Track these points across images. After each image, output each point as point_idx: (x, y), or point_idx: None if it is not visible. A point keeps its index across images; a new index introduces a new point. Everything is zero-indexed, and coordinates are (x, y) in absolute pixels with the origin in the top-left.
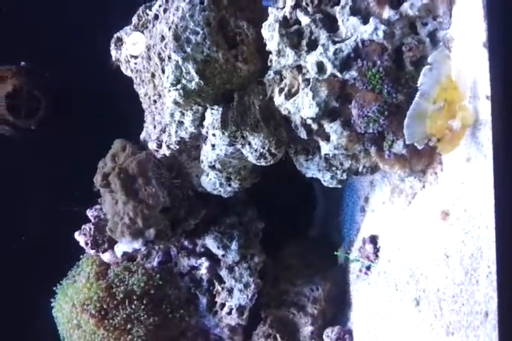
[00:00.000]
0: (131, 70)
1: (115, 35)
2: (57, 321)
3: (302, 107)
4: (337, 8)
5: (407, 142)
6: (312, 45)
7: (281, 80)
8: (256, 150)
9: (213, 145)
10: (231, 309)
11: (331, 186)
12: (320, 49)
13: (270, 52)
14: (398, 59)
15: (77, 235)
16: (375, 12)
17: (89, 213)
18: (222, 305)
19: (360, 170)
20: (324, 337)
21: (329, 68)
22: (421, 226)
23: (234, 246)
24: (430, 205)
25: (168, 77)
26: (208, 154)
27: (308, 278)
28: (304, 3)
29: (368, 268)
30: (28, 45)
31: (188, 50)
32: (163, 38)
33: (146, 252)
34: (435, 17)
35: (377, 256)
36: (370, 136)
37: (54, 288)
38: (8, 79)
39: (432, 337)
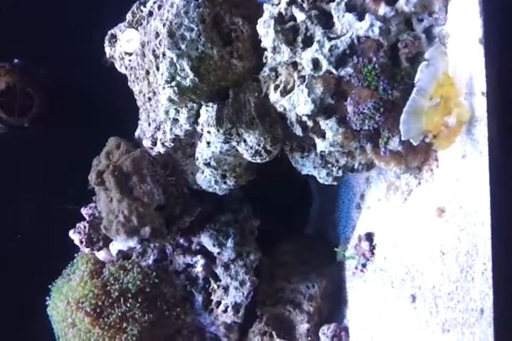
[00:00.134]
0: (126, 67)
1: (109, 32)
2: (52, 319)
3: (297, 104)
4: (332, 5)
5: (403, 138)
6: (307, 42)
7: (277, 77)
8: (251, 148)
9: (208, 143)
10: (227, 307)
11: (326, 183)
12: (315, 45)
13: (265, 49)
14: (394, 55)
15: (71, 233)
16: (371, 8)
17: (84, 211)
18: (218, 303)
19: (355, 167)
20: (320, 334)
21: (325, 65)
22: (417, 223)
23: (229, 243)
24: (426, 202)
25: (162, 74)
26: (203, 151)
27: (304, 276)
28: (299, 0)
29: (364, 265)
30: (21, 42)
31: (183, 46)
32: (157, 34)
33: (142, 250)
34: (431, 13)
35: (373, 253)
36: (365, 132)
37: (49, 287)
38: (1, 77)
39: (428, 334)
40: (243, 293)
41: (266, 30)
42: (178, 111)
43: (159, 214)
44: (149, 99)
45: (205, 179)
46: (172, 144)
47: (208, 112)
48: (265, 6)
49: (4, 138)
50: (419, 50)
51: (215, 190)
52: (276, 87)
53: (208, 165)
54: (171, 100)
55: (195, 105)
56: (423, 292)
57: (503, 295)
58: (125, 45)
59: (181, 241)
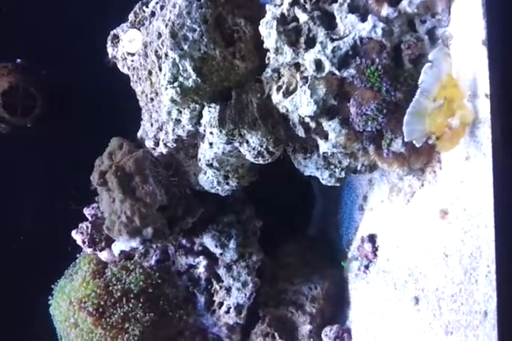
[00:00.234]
0: (128, 68)
1: (111, 33)
2: (54, 319)
3: (300, 105)
4: (335, 6)
5: (406, 139)
6: (310, 43)
7: (279, 78)
8: (254, 149)
9: (211, 144)
10: (229, 308)
11: (329, 184)
12: (318, 47)
13: (268, 50)
14: (397, 57)
15: (74, 234)
16: (374, 9)
17: (86, 211)
18: (220, 304)
19: (358, 168)
20: (323, 335)
21: (327, 66)
22: (420, 225)
23: (232, 244)
24: (429, 204)
25: (165, 75)
26: (205, 152)
27: (306, 277)
28: (301, 1)
29: (367, 267)
30: (24, 42)
31: (185, 47)
32: (160, 35)
33: (144, 251)
34: (434, 14)
35: (375, 254)
36: (368, 134)
37: (51, 287)
38: (4, 77)
39: (431, 336)
40: (245, 294)
41: (268, 31)
42: (180, 112)
43: (162, 214)
44: (152, 99)
45: (208, 180)
46: (174, 145)
47: (210, 113)
48: (267, 6)
49: (7, 138)
50: (422, 51)
51: (218, 190)
52: (278, 88)
53: (210, 166)
54: (173, 101)
55: (197, 106)
56: (426, 294)
57: (507, 297)
58: (127, 46)
59: (183, 241)
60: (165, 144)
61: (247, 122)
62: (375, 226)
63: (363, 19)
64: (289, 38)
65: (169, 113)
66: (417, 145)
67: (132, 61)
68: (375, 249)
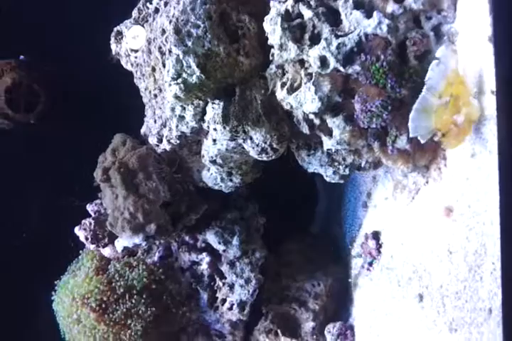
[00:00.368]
0: (132, 64)
1: (115, 29)
2: (57, 315)
3: (304, 102)
4: (340, 2)
5: (411, 135)
6: (315, 39)
7: (284, 74)
8: (257, 145)
9: (214, 140)
10: (232, 304)
11: (333, 181)
12: (323, 43)
13: (272, 46)
14: (402, 53)
15: (77, 230)
16: (379, 6)
17: (90, 208)
18: (224, 301)
19: (362, 165)
20: (326, 332)
21: (332, 62)
22: (424, 222)
23: (235, 241)
24: (434, 201)
25: (168, 71)
26: (209, 149)
27: (309, 274)
28: None
29: (371, 264)
30: (27, 39)
31: (189, 43)
32: (163, 31)
33: (147, 247)
34: (439, 11)
35: (379, 252)
36: (373, 131)
37: (54, 283)
38: (7, 73)
39: (435, 333)
40: (249, 291)
41: (273, 28)
42: (184, 109)
43: (165, 211)
44: (155, 96)
45: (211, 176)
46: (178, 141)
47: (214, 109)
48: (272, 3)
49: (10, 135)
50: (427, 48)
51: (221, 187)
52: (283, 85)
53: (213, 162)
54: (177, 97)
55: (201, 102)
56: (430, 291)
57: None
58: (131, 42)
59: (187, 238)
60: (168, 141)
61: (251, 119)
62: (379, 223)
63: (368, 15)
64: (294, 35)
65: (173, 109)
66: (422, 142)
67: (136, 57)
68: (378, 246)
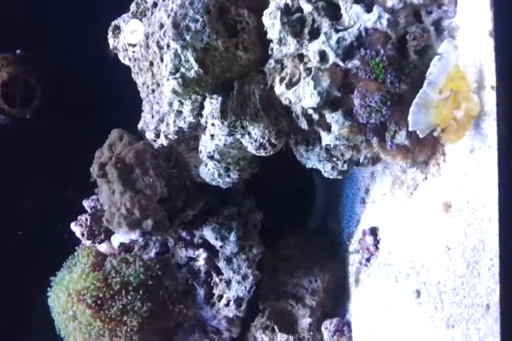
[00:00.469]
0: (129, 59)
1: (113, 23)
2: (52, 311)
3: (303, 97)
4: None
5: (410, 129)
6: (314, 34)
7: (282, 69)
8: (256, 141)
9: (212, 135)
10: (229, 301)
11: (331, 177)
12: (322, 37)
13: (271, 41)
14: (402, 48)
15: (73, 226)
16: (379, 0)
17: (86, 203)
18: (220, 297)
19: (361, 160)
20: (323, 329)
21: (331, 57)
22: (422, 218)
23: (232, 237)
24: (432, 197)
25: (166, 66)
26: (206, 144)
27: (307, 270)
28: None
29: (368, 260)
30: (24, 33)
31: (188, 38)
32: (162, 25)
33: (144, 243)
34: (440, 5)
35: (377, 247)
36: (372, 126)
37: (50, 279)
38: (3, 68)
39: (432, 329)
40: (245, 287)
41: (272, 22)
42: (182, 103)
43: (162, 206)
44: (153, 90)
45: (209, 172)
46: (175, 136)
47: (212, 104)
48: None
49: (6, 129)
50: (427, 42)
51: (219, 183)
52: (281, 80)
53: (211, 158)
54: (174, 92)
55: (199, 97)
56: (428, 287)
57: (510, 291)
58: (129, 36)
59: (183, 234)
60: (166, 136)
61: (249, 114)
62: (377, 219)
63: (368, 10)
64: (293, 29)
65: (170, 104)
66: (421, 136)
67: (133, 52)
68: (376, 242)
